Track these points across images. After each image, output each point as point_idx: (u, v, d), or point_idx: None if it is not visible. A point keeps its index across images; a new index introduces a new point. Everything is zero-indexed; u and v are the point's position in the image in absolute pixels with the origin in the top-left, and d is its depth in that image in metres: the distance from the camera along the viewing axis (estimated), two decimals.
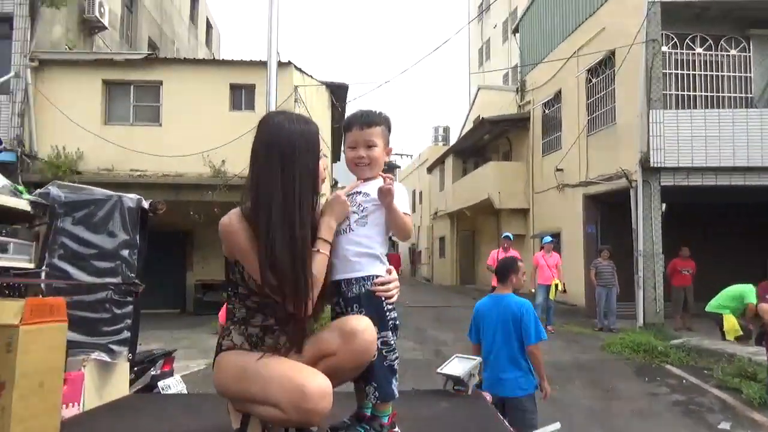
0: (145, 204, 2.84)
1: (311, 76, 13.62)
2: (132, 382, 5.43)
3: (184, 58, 13.99)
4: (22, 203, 2.42)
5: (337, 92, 15.46)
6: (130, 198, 2.77)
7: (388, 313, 1.90)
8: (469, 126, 23.58)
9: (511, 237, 10.63)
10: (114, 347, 2.66)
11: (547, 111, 16.75)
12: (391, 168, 47.32)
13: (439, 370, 2.86)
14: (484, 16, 32.38)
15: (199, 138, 11.73)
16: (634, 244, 11.53)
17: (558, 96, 15.83)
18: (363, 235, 1.91)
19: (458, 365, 2.84)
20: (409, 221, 1.97)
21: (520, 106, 18.66)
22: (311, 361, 1.80)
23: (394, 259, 25.06)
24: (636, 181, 11.48)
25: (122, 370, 2.81)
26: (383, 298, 1.89)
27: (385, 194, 1.88)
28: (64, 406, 2.36)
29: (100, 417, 2.43)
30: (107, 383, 2.70)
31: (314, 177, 1.83)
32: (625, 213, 11.91)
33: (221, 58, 13.03)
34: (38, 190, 2.61)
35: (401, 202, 1.97)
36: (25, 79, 11.36)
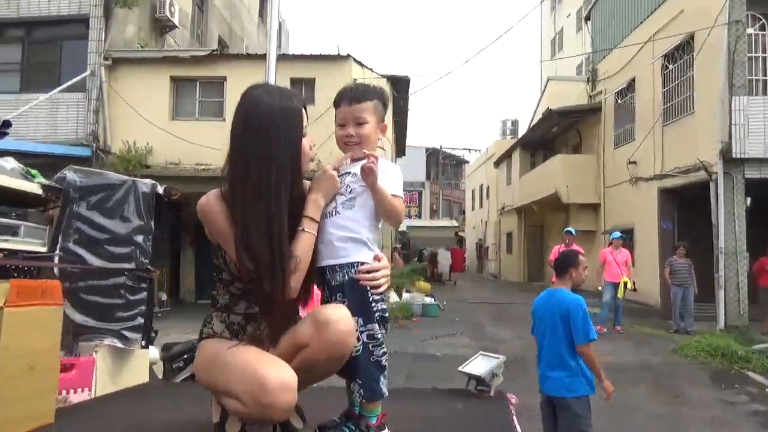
0: (160, 189, 2.81)
1: (371, 69, 13.53)
2: (179, 371, 5.57)
3: (247, 53, 14.28)
4: (34, 187, 2.43)
5: (398, 85, 15.30)
6: (145, 183, 2.75)
7: (374, 304, 1.73)
8: (539, 118, 22.83)
9: (574, 232, 10.11)
10: (127, 333, 2.65)
11: (619, 101, 15.87)
12: (459, 163, 46.70)
13: (460, 368, 2.66)
14: (558, 5, 31.22)
15: None
16: (715, 241, 10.69)
17: (631, 85, 14.94)
18: (349, 219, 1.76)
19: (481, 363, 2.63)
20: (398, 204, 1.79)
21: (590, 96, 17.80)
22: (287, 352, 1.67)
23: (457, 254, 24.66)
24: (716, 173, 10.63)
25: (140, 356, 2.79)
26: (368, 288, 1.72)
27: (367, 173, 1.71)
28: (72, 390, 2.36)
29: (109, 403, 2.41)
30: (123, 369, 2.69)
31: (294, 155, 1.69)
32: (704, 208, 11.06)
33: (282, 53, 13.15)
34: (56, 175, 2.63)
35: (390, 183, 1.79)
36: (100, 77, 11.95)
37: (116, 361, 2.65)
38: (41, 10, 12.22)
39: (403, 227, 29.55)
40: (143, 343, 2.76)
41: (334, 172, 1.77)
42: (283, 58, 12.64)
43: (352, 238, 1.74)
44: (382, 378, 1.73)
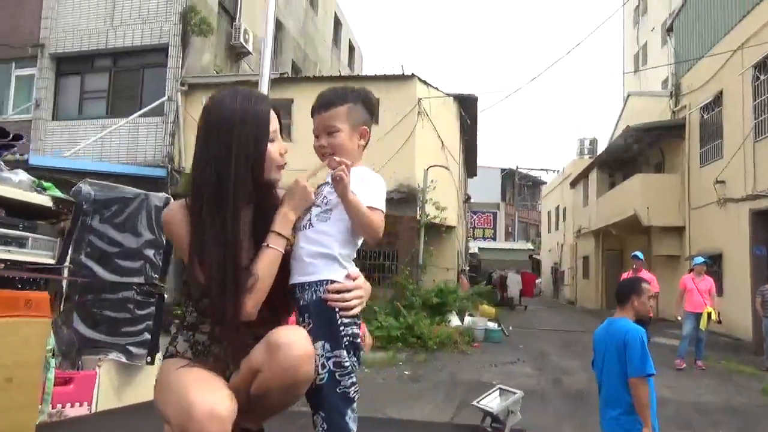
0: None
1: (436, 88, 13.43)
2: None
3: (313, 76, 14.59)
4: (44, 199, 2.46)
5: (466, 104, 15.09)
6: (157, 197, 2.74)
7: (343, 328, 1.56)
8: (617, 136, 21.76)
9: (641, 256, 9.37)
10: (132, 349, 2.61)
11: (705, 116, 14.80)
12: (536, 184, 45.27)
13: (475, 402, 2.42)
14: (641, 19, 29.92)
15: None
16: None
17: (718, 98, 13.90)
18: (322, 232, 1.61)
19: (497, 399, 2.38)
20: (375, 218, 1.61)
21: (674, 111, 16.74)
22: (244, 377, 1.53)
23: (528, 278, 23.77)
24: None
25: (147, 373, 2.75)
26: (337, 309, 1.55)
27: (336, 182, 1.56)
28: (69, 404, 2.33)
29: (107, 419, 2.36)
30: (128, 385, 2.65)
31: (256, 161, 1.57)
32: None
33: (347, 74, 13.32)
34: (73, 188, 2.66)
35: (368, 194, 1.63)
36: (176, 102, 12.58)
37: (122, 377, 2.61)
38: (126, 41, 13.09)
39: (474, 249, 28.94)
40: (148, 359, 2.71)
41: (307, 183, 1.63)
42: (346, 79, 12.82)
43: (323, 254, 1.59)
44: (349, 412, 1.55)
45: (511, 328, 13.00)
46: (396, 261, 12.61)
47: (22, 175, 2.40)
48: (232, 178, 1.52)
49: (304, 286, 1.59)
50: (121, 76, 13.37)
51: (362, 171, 1.71)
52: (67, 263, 2.54)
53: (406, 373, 8.05)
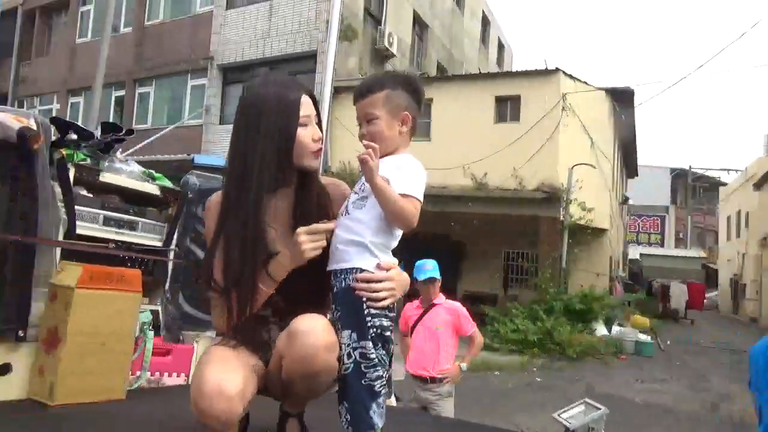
0: None
1: (585, 82, 12.60)
2: None
3: (453, 75, 14.50)
4: (153, 188, 2.72)
5: (620, 97, 13.94)
6: None
7: (369, 319, 1.49)
8: None
9: None
10: None
11: None
12: (713, 186, 40.33)
13: (555, 414, 2.20)
14: None
15: (463, 151, 11.94)
16: None
17: None
18: (355, 220, 1.55)
19: (578, 414, 2.14)
20: (407, 206, 1.52)
21: None
22: (275, 361, 1.54)
23: (695, 289, 21.25)
24: None
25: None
26: (364, 299, 1.50)
27: (362, 165, 1.50)
28: (167, 374, 2.54)
29: None
30: None
31: (283, 147, 1.56)
32: None
33: (487, 72, 13.03)
34: (182, 179, 2.91)
35: (402, 181, 1.54)
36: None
37: None
38: (280, 50, 14.13)
39: (634, 255, 26.67)
40: None
41: (305, 238, 1.57)
42: (485, 77, 12.56)
43: (354, 242, 1.54)
44: (374, 406, 1.48)
45: (669, 342, 11.75)
46: (536, 263, 12.07)
47: (134, 166, 2.68)
48: (257, 162, 1.54)
49: (337, 274, 1.55)
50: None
51: (400, 158, 1.63)
52: (172, 246, 2.79)
53: (538, 380, 7.66)
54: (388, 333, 1.53)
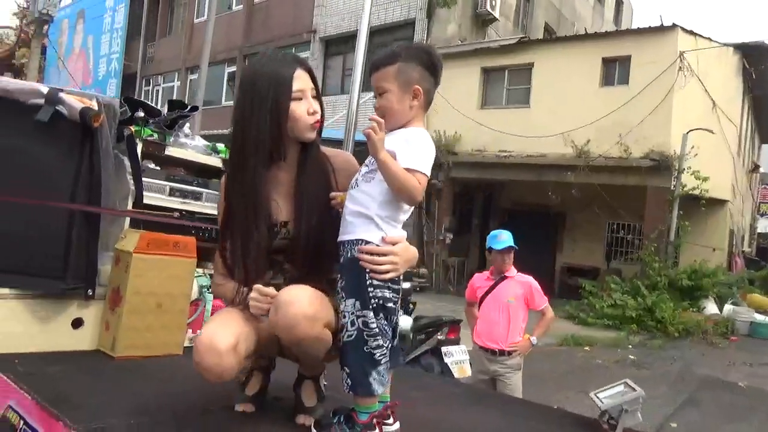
0: None
1: (709, 39, 11.41)
2: (421, 343, 5.87)
3: (555, 37, 13.72)
4: (215, 161, 2.91)
5: (751, 54, 12.48)
6: None
7: (372, 290, 1.53)
8: None
9: None
10: None
11: None
12: None
13: (592, 393, 2.12)
14: None
15: (565, 118, 11.38)
16: None
17: None
18: (363, 192, 1.58)
19: (615, 394, 2.05)
20: (410, 180, 1.51)
21: None
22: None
23: None
24: None
25: None
26: (367, 271, 1.53)
27: (367, 139, 1.51)
28: None
29: None
30: None
31: (276, 120, 1.60)
32: None
33: (594, 32, 12.18)
34: None
35: (408, 155, 1.54)
36: None
37: None
38: (379, 19, 14.15)
39: (765, 228, 24.12)
40: None
41: (254, 295, 1.60)
42: (591, 37, 11.78)
43: (361, 213, 1.58)
44: (374, 373, 1.53)
45: None
46: (641, 235, 11.33)
47: (198, 141, 2.88)
48: (252, 136, 1.61)
49: (344, 245, 1.60)
50: (375, 53, 14.54)
51: (409, 132, 1.62)
52: None
53: (632, 357, 7.30)
54: (390, 304, 1.56)
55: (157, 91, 20.82)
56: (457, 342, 5.65)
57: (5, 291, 2.07)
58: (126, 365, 2.14)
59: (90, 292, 2.25)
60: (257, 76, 1.63)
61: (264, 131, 1.60)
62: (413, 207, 1.65)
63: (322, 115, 1.71)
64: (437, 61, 1.69)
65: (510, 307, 4.07)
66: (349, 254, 1.57)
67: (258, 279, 1.63)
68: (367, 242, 1.55)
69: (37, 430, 1.56)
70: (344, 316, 1.54)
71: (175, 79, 20.73)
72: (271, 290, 1.58)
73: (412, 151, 1.56)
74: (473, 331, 4.28)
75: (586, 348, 7.47)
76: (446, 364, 5.32)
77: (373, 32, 14.48)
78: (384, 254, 1.55)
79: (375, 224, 1.56)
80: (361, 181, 1.61)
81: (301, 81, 1.64)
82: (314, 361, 1.67)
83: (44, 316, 2.17)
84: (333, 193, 1.68)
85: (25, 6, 17.42)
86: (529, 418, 2.05)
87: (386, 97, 1.61)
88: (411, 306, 6.57)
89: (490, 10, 14.58)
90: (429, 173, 1.58)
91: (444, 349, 5.49)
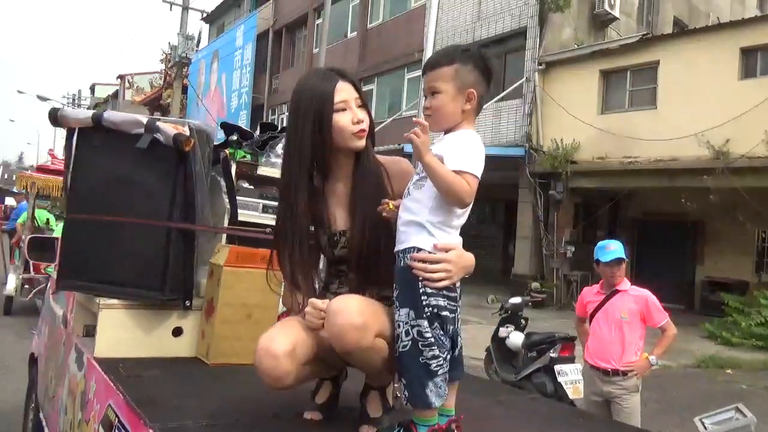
0: None
1: None
2: (532, 360, 5.64)
3: (683, 29, 12.63)
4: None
5: None
6: None
7: (425, 299, 1.50)
8: None
9: None
10: None
11: None
12: None
13: (697, 418, 1.90)
14: None
15: (697, 117, 10.40)
16: None
17: None
18: (414, 200, 1.57)
19: (723, 420, 1.82)
20: (458, 182, 1.48)
21: None
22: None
23: None
24: None
25: None
26: (420, 278, 1.50)
27: (409, 142, 1.49)
28: None
29: None
30: None
31: (321, 131, 1.65)
32: None
33: (728, 21, 11.04)
34: None
35: (455, 157, 1.51)
36: (533, 82, 12.82)
37: None
38: (490, 32, 14.01)
39: None
40: None
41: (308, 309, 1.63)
42: (726, 26, 10.69)
43: (413, 221, 1.56)
44: (430, 384, 1.49)
45: None
46: None
47: (274, 156, 3.02)
48: (298, 148, 1.66)
49: (398, 254, 1.59)
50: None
51: (458, 135, 1.58)
52: None
53: None
54: (445, 313, 1.51)
55: (282, 119, 22.22)
56: (572, 360, 5.35)
57: (114, 302, 2.30)
58: (216, 371, 2.28)
59: (187, 303, 2.43)
60: (301, 93, 1.69)
61: (308, 143, 1.65)
62: (468, 211, 1.60)
63: (372, 124, 1.72)
64: (493, 68, 1.64)
65: (624, 324, 3.79)
66: (402, 263, 1.55)
67: (310, 293, 1.67)
68: (419, 249, 1.53)
69: (127, 427, 1.70)
70: (399, 326, 1.52)
71: None
72: (324, 303, 1.60)
73: (459, 152, 1.52)
74: (584, 349, 4.03)
75: (729, 371, 6.67)
76: (560, 383, 5.04)
77: (485, 44, 14.43)
78: (437, 261, 1.51)
79: (427, 231, 1.53)
80: (413, 190, 1.59)
81: (343, 92, 1.67)
82: (373, 370, 1.65)
83: (148, 324, 2.37)
84: (383, 200, 1.67)
85: (168, 52, 19.59)
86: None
87: (439, 98, 1.58)
88: (523, 322, 6.34)
89: (608, 9, 13.84)
90: (479, 174, 1.53)
91: (557, 367, 5.22)
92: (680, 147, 10.56)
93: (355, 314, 1.48)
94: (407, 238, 1.55)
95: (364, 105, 1.72)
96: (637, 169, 11.08)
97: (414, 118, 1.56)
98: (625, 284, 3.87)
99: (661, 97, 11.41)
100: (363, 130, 1.69)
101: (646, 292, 3.87)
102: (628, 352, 3.74)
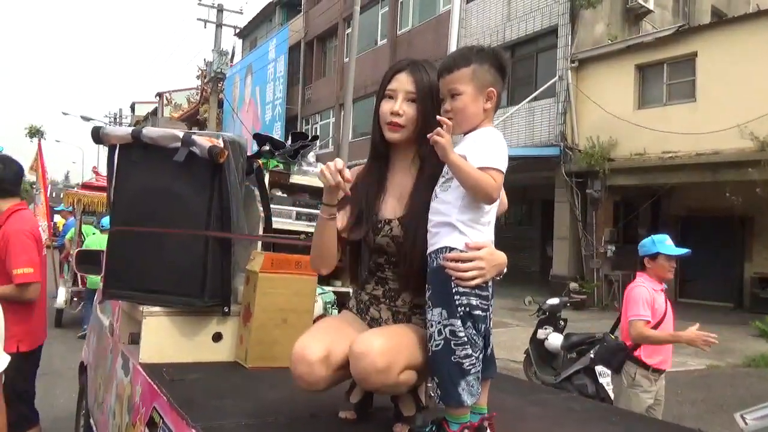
0: None
1: None
2: (572, 362, 5.56)
3: (720, 19, 12.25)
4: None
5: None
6: None
7: (458, 297, 1.52)
8: None
9: None
10: None
11: None
12: None
13: (738, 414, 1.86)
14: None
15: (740, 108, 10.08)
16: None
17: None
18: (443, 201, 1.60)
19: (763, 415, 1.78)
20: (482, 178, 1.50)
21: None
22: None
23: None
24: None
25: None
26: (453, 278, 1.53)
27: (434, 143, 1.51)
28: None
29: None
30: None
31: (376, 128, 1.74)
32: None
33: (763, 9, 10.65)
34: None
35: (478, 154, 1.53)
36: (567, 80, 12.64)
37: None
38: (520, 32, 13.89)
39: None
40: None
41: (327, 166, 1.64)
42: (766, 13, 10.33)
43: (443, 222, 1.59)
44: (462, 383, 1.51)
45: None
46: None
47: (319, 167, 3.08)
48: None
49: (430, 255, 1.61)
50: (518, 65, 14.29)
51: (479, 133, 1.61)
52: None
53: None
54: (478, 312, 1.53)
55: (315, 128, 22.51)
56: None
57: (157, 309, 2.39)
58: (254, 374, 2.34)
59: (226, 309, 2.51)
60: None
61: (373, 132, 1.74)
62: (496, 207, 1.62)
63: (423, 123, 1.68)
64: (507, 65, 1.67)
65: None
66: (434, 263, 1.57)
67: (357, 273, 1.76)
68: (452, 249, 1.55)
69: (171, 427, 1.78)
70: (432, 326, 1.54)
71: (330, 116, 22.28)
72: (341, 164, 1.61)
73: (482, 149, 1.55)
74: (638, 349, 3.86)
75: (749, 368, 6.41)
76: (601, 384, 4.95)
77: (515, 45, 14.34)
78: (469, 260, 1.53)
79: (458, 230, 1.55)
80: (440, 192, 1.62)
81: (397, 82, 1.71)
82: (403, 393, 1.69)
83: (189, 331, 2.46)
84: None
85: (204, 68, 20.11)
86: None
87: (460, 100, 1.61)
88: (562, 323, 6.24)
89: (642, 2, 13.58)
90: (504, 169, 1.55)
91: (598, 368, 5.12)
92: (722, 139, 10.25)
93: (377, 357, 1.48)
94: (439, 239, 1.57)
95: (417, 100, 1.70)
96: (677, 164, 10.79)
97: (438, 117, 1.57)
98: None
99: (700, 90, 11.10)
100: (396, 124, 1.70)
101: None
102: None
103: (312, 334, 1.66)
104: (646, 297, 3.69)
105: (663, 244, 3.75)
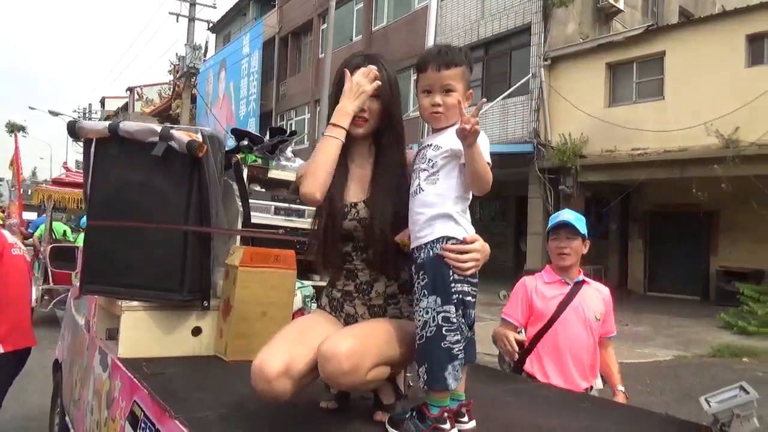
0: None
1: None
2: None
3: (687, 19, 12.58)
4: None
5: None
6: None
7: (453, 285, 1.57)
8: None
9: None
10: None
11: None
12: None
13: (702, 398, 1.94)
14: None
15: (705, 106, 10.38)
16: None
17: None
18: (434, 194, 1.64)
19: (726, 398, 1.85)
20: (488, 170, 1.59)
21: None
22: None
23: None
24: None
25: None
26: (451, 267, 1.58)
27: (465, 135, 1.51)
28: None
29: None
30: None
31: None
32: None
33: (733, 8, 10.96)
34: None
35: (484, 149, 1.60)
36: (540, 78, 12.82)
37: None
38: (494, 30, 14.03)
39: None
40: None
41: (357, 78, 1.69)
42: (732, 14, 10.65)
43: (439, 214, 1.63)
44: (450, 368, 1.56)
45: None
46: None
47: (298, 162, 3.10)
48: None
49: (421, 247, 1.64)
50: (492, 63, 14.45)
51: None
52: None
53: None
54: (469, 298, 1.60)
55: (290, 124, 22.38)
56: None
57: (135, 304, 2.39)
58: (234, 367, 2.35)
59: (205, 303, 2.51)
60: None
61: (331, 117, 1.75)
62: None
63: (380, 114, 1.77)
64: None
65: (594, 330, 2.90)
66: (431, 252, 1.60)
67: (327, 262, 1.79)
68: (449, 238, 1.60)
69: (153, 420, 1.79)
70: (426, 313, 1.57)
71: (306, 112, 22.18)
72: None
73: (479, 144, 1.60)
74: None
75: (745, 359, 6.65)
76: None
77: (489, 42, 14.48)
78: (467, 251, 1.59)
79: (454, 220, 1.61)
80: (427, 185, 1.65)
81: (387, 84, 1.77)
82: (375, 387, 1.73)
83: (168, 325, 2.46)
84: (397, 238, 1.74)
85: (176, 63, 19.82)
86: (626, 424, 1.92)
87: (454, 96, 1.65)
88: None
89: (613, 2, 13.82)
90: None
91: None
92: (689, 137, 10.53)
93: (343, 360, 1.49)
94: (433, 231, 1.61)
95: (382, 96, 1.75)
96: (646, 160, 11.05)
97: (482, 100, 1.64)
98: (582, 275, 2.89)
99: (668, 88, 11.39)
100: (362, 118, 1.74)
101: (607, 290, 2.96)
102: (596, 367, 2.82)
103: (270, 348, 1.61)
104: (523, 293, 2.89)
105: (552, 221, 2.90)
